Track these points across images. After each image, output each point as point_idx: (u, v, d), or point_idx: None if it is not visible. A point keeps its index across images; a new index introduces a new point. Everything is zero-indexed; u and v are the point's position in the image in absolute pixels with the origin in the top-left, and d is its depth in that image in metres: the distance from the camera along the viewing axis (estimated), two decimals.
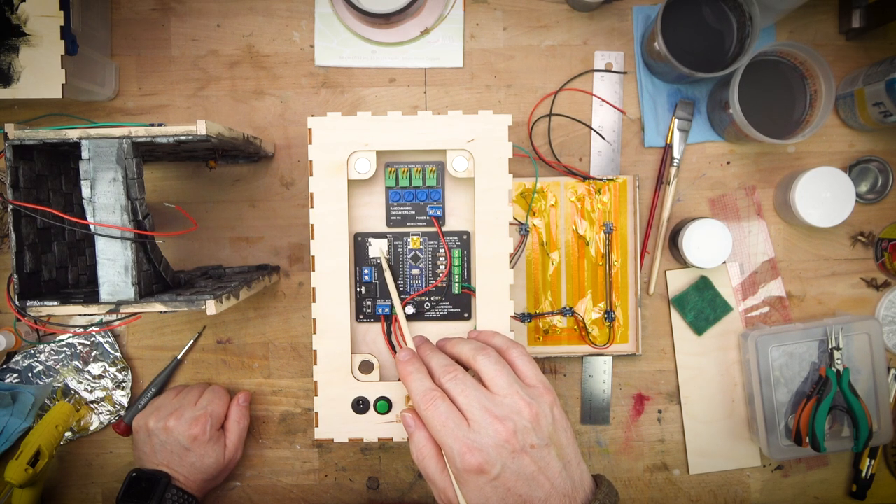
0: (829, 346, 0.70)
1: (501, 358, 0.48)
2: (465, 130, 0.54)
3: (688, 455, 0.75)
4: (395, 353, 0.57)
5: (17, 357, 0.74)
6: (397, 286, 0.57)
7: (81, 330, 0.72)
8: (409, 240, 0.57)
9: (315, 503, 0.76)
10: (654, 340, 0.75)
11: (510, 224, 0.55)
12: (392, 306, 0.56)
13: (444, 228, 0.57)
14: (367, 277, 0.57)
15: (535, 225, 0.72)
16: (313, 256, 0.54)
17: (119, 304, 0.54)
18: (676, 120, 0.73)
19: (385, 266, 0.56)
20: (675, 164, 0.73)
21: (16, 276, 0.55)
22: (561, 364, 0.75)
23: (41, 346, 0.74)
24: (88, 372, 0.74)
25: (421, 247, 0.57)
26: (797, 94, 0.71)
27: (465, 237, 0.57)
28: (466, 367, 0.49)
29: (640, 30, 0.73)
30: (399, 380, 0.57)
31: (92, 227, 0.53)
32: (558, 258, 0.72)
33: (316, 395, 0.55)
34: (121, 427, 0.73)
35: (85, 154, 0.53)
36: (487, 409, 0.45)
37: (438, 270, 0.57)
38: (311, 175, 0.54)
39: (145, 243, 0.55)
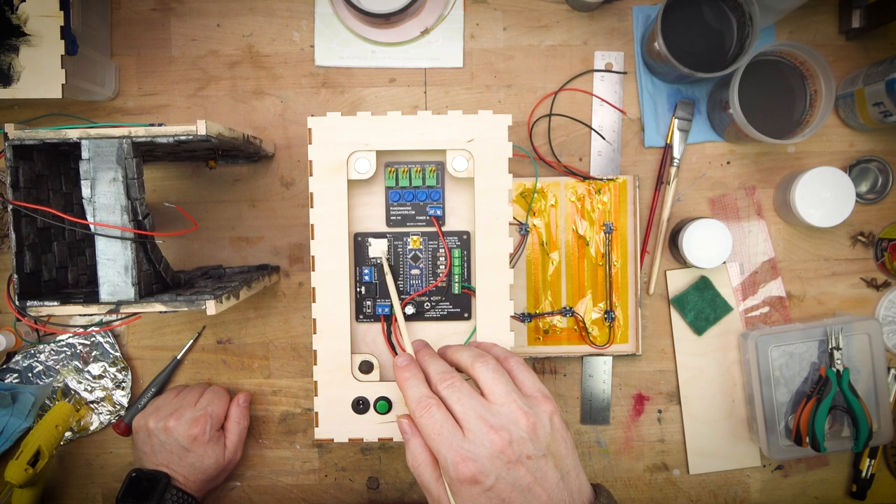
0: (829, 346, 0.70)
1: (500, 366, 0.48)
2: (465, 130, 0.54)
3: (688, 455, 0.75)
4: (396, 354, 0.57)
5: (17, 357, 0.74)
6: (397, 286, 0.57)
7: (81, 330, 0.72)
8: (409, 240, 0.57)
9: (315, 503, 0.76)
10: (654, 340, 0.75)
11: (510, 224, 0.55)
12: (392, 307, 0.56)
13: (444, 228, 0.57)
14: (367, 277, 0.57)
15: (535, 225, 0.72)
16: (313, 256, 0.54)
17: (119, 304, 0.54)
18: (676, 120, 0.73)
19: (386, 268, 0.56)
20: (675, 164, 0.73)
21: (16, 276, 0.55)
22: (561, 364, 0.75)
23: (41, 346, 0.74)
24: (88, 372, 0.74)
25: (421, 247, 0.57)
26: (797, 94, 0.71)
27: (465, 237, 0.57)
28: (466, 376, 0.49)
29: (640, 30, 0.73)
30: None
31: (92, 227, 0.53)
32: (558, 258, 0.72)
33: (316, 395, 0.55)
34: (121, 427, 0.73)
35: (85, 154, 0.53)
36: (483, 418, 0.44)
37: (438, 270, 0.57)
38: (311, 175, 0.54)
39: (145, 243, 0.55)
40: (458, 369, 0.49)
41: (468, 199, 0.56)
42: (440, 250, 0.57)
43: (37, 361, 0.74)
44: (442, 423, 0.44)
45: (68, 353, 0.74)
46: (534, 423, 0.44)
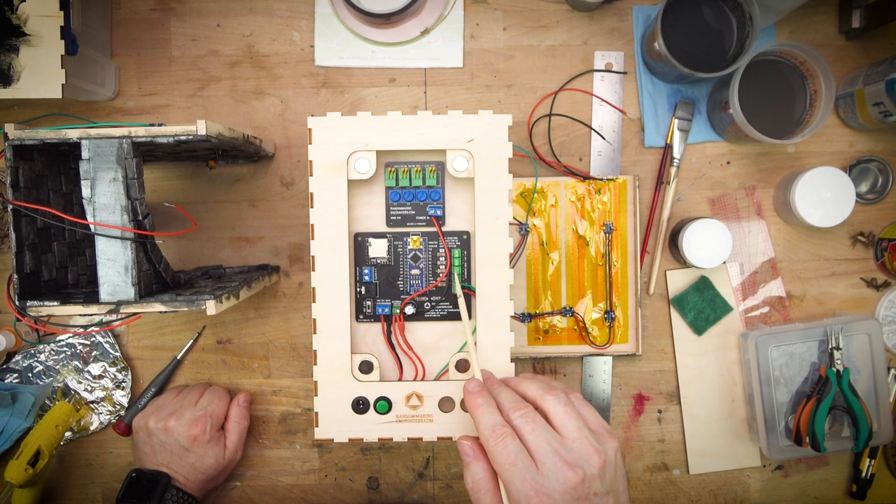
0: (829, 346, 0.70)
1: (569, 400, 0.48)
2: (465, 130, 0.54)
3: (688, 455, 0.75)
4: (396, 354, 0.57)
5: (17, 357, 0.74)
6: (397, 286, 0.57)
7: (81, 330, 0.72)
8: (409, 240, 0.57)
9: (315, 503, 0.76)
10: (654, 340, 0.75)
11: (510, 224, 0.55)
12: (397, 311, 0.56)
13: (444, 228, 0.57)
14: (367, 277, 0.57)
15: (535, 225, 0.72)
16: (313, 256, 0.54)
17: (119, 304, 0.54)
18: (676, 120, 0.73)
19: (462, 303, 0.55)
20: (675, 164, 0.73)
21: (16, 276, 0.55)
22: (561, 364, 0.75)
23: (41, 346, 0.74)
24: (88, 372, 0.74)
25: (421, 247, 0.57)
26: (797, 94, 0.71)
27: (465, 237, 0.57)
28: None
29: (640, 30, 0.73)
30: (396, 379, 0.57)
31: (92, 227, 0.53)
32: (558, 258, 0.72)
33: (316, 395, 0.55)
34: (121, 427, 0.73)
35: (85, 154, 0.53)
36: (558, 452, 0.45)
37: (438, 270, 0.57)
38: (311, 175, 0.54)
39: (145, 243, 0.55)
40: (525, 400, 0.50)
41: (468, 199, 0.56)
42: (440, 250, 0.57)
43: (37, 361, 0.74)
44: (517, 455, 0.45)
45: (68, 353, 0.74)
46: (604, 461, 0.45)
